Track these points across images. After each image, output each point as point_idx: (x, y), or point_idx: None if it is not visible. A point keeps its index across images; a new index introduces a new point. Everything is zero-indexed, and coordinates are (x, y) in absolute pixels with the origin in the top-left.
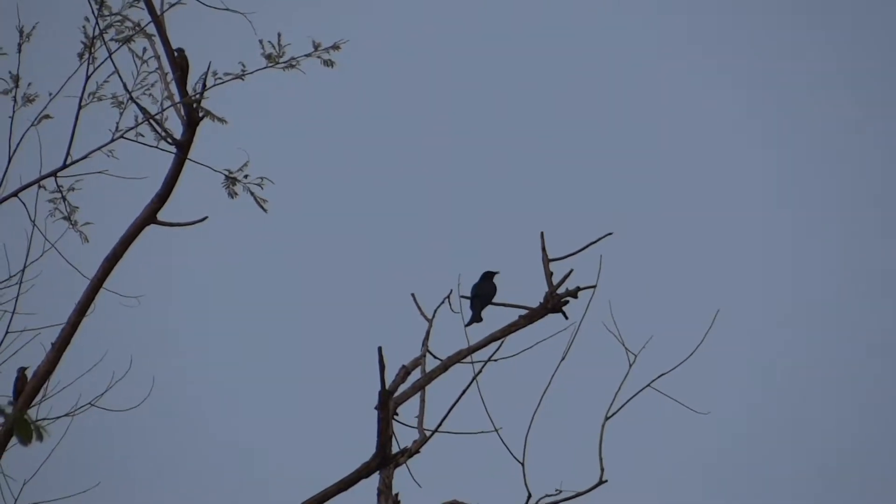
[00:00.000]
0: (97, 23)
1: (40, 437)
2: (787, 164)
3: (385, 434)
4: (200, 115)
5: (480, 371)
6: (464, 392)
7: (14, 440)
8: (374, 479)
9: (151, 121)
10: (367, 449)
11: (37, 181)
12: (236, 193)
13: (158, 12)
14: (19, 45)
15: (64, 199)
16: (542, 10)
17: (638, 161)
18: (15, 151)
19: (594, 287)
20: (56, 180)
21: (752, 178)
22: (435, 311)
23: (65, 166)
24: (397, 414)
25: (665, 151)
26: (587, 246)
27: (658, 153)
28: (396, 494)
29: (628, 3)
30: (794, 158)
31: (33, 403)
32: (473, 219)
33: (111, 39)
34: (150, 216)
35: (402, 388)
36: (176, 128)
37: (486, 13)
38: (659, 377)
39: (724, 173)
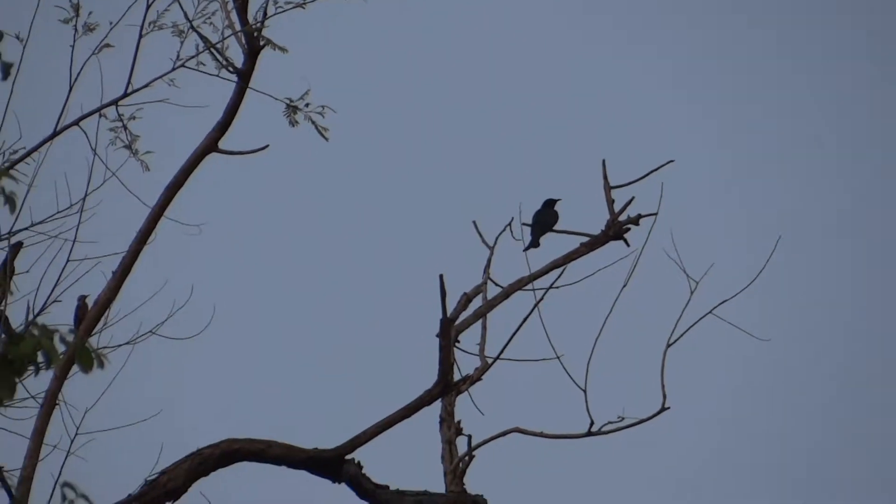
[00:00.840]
0: None
1: (101, 365)
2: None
3: (447, 362)
4: (261, 43)
5: (542, 298)
6: (525, 319)
7: (75, 368)
8: (437, 406)
9: (212, 49)
10: (429, 376)
11: (98, 110)
12: (297, 122)
13: None
14: None
15: (125, 127)
16: None
17: (696, 90)
18: (76, 80)
19: (655, 214)
20: (117, 109)
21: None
22: (496, 239)
23: (126, 95)
24: (459, 341)
25: (723, 83)
26: (649, 173)
27: (715, 84)
28: (458, 421)
29: None
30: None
31: (94, 331)
32: (536, 146)
33: None
34: (211, 145)
35: (464, 315)
36: (237, 56)
37: None
38: (720, 304)
39: (782, 103)
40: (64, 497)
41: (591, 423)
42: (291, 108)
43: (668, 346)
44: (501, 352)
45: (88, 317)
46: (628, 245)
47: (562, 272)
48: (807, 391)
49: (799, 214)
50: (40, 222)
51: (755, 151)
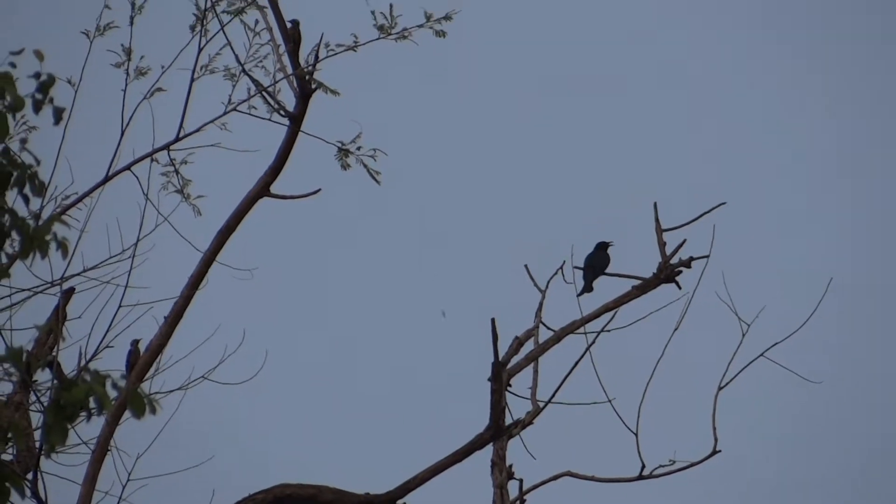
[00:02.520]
0: None
1: (153, 411)
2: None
3: (498, 405)
4: (313, 87)
5: (594, 342)
6: (577, 363)
7: (127, 414)
8: (488, 450)
9: (264, 93)
10: (480, 420)
11: (150, 154)
12: (349, 165)
13: None
14: (131, 17)
15: (177, 172)
16: None
17: (750, 132)
18: (128, 125)
19: (707, 257)
20: (169, 153)
21: (857, 148)
22: (548, 282)
23: (177, 139)
24: (510, 385)
25: (779, 122)
26: (700, 216)
27: (772, 124)
28: (510, 466)
29: None
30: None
31: (146, 377)
32: (587, 190)
33: (223, 11)
34: (263, 189)
35: (516, 359)
36: (288, 100)
37: None
38: (772, 346)
39: (833, 144)
40: None
41: (643, 467)
42: (343, 152)
43: (720, 389)
44: (553, 395)
45: (140, 362)
46: (680, 288)
47: (613, 315)
48: (860, 434)
49: (851, 255)
50: (92, 268)
51: (805, 194)
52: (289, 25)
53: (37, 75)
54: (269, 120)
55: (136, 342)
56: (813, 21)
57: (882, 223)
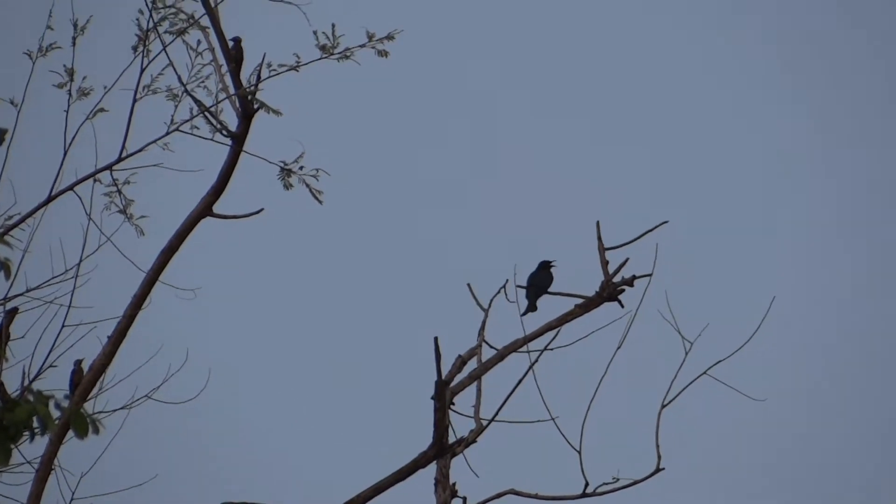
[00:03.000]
0: (151, 15)
1: (96, 431)
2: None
3: (442, 424)
4: (255, 106)
5: (537, 360)
6: (520, 381)
7: (71, 434)
8: (432, 468)
9: (206, 113)
10: (423, 439)
11: (92, 175)
12: (291, 185)
13: (213, 4)
14: (74, 38)
15: (119, 192)
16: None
17: (693, 151)
18: (70, 145)
19: (650, 275)
20: (111, 174)
21: (799, 169)
22: (491, 301)
23: (120, 160)
24: (454, 404)
25: (722, 143)
26: (643, 235)
27: (714, 145)
28: (454, 484)
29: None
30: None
31: (90, 397)
32: (530, 209)
33: (165, 32)
34: (205, 209)
35: (459, 377)
36: (231, 120)
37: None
38: (715, 364)
39: (775, 164)
40: None
41: (586, 485)
42: (286, 172)
43: (663, 406)
44: (496, 413)
45: (84, 382)
46: (623, 306)
47: (556, 334)
48: (803, 451)
49: (795, 273)
50: (35, 288)
51: (750, 212)
52: (230, 43)
53: None
54: (212, 140)
55: (79, 362)
56: (762, 30)
57: (827, 242)
